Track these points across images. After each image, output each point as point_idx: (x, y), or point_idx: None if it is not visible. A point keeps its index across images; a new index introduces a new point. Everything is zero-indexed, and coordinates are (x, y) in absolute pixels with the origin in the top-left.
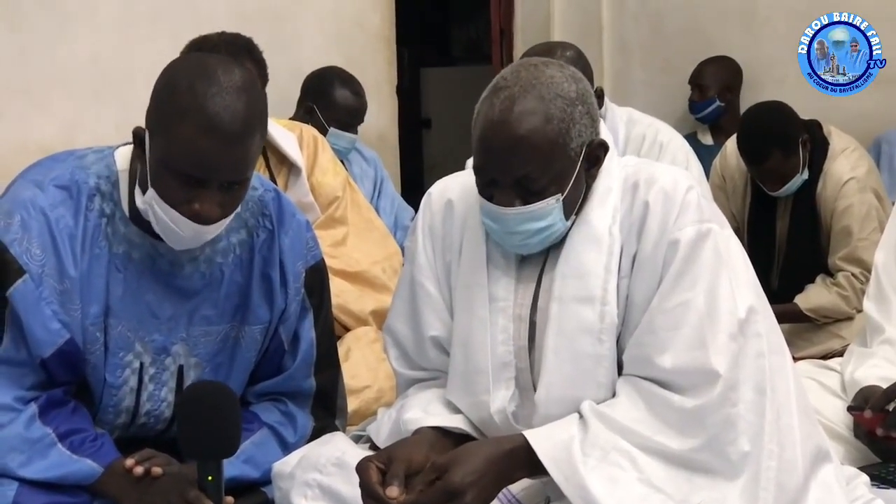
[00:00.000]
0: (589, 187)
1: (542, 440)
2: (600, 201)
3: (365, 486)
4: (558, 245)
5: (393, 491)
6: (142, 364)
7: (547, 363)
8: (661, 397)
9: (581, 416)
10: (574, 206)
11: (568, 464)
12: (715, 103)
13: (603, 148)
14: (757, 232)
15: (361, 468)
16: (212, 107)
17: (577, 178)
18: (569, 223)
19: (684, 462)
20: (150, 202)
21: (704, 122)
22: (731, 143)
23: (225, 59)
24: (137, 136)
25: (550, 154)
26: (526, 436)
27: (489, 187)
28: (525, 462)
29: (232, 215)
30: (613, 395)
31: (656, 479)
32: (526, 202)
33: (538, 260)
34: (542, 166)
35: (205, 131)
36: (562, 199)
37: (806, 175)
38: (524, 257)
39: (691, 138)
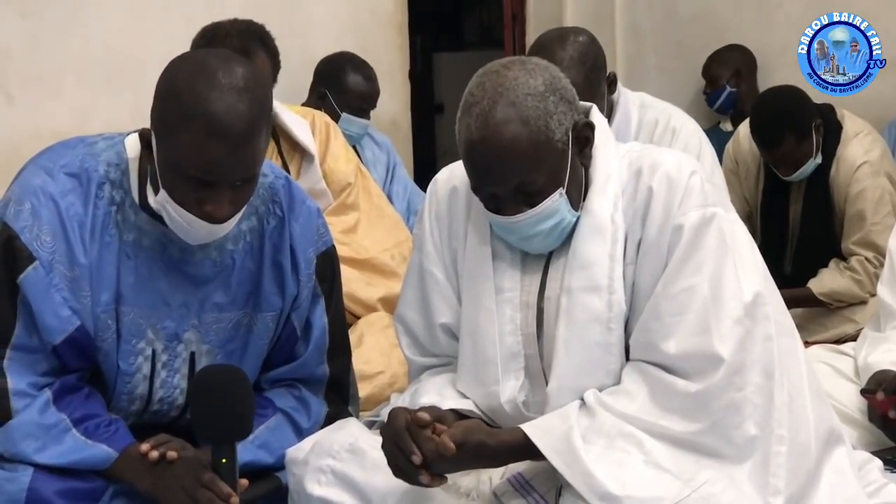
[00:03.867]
0: (587, 173)
1: (542, 434)
2: (600, 190)
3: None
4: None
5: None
6: (154, 351)
7: (558, 355)
8: (666, 382)
9: (583, 404)
10: (579, 194)
11: (570, 453)
12: (726, 90)
13: (589, 127)
14: (770, 216)
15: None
16: (215, 110)
17: (572, 166)
18: (578, 212)
19: (690, 445)
20: (162, 203)
21: (723, 111)
22: (744, 128)
23: (226, 56)
24: (144, 137)
25: (538, 155)
26: (524, 430)
27: (492, 202)
28: (525, 455)
29: (244, 209)
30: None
31: (662, 460)
32: (531, 206)
33: None
34: (535, 169)
35: (210, 136)
36: (563, 192)
37: (819, 159)
38: None
39: (715, 130)
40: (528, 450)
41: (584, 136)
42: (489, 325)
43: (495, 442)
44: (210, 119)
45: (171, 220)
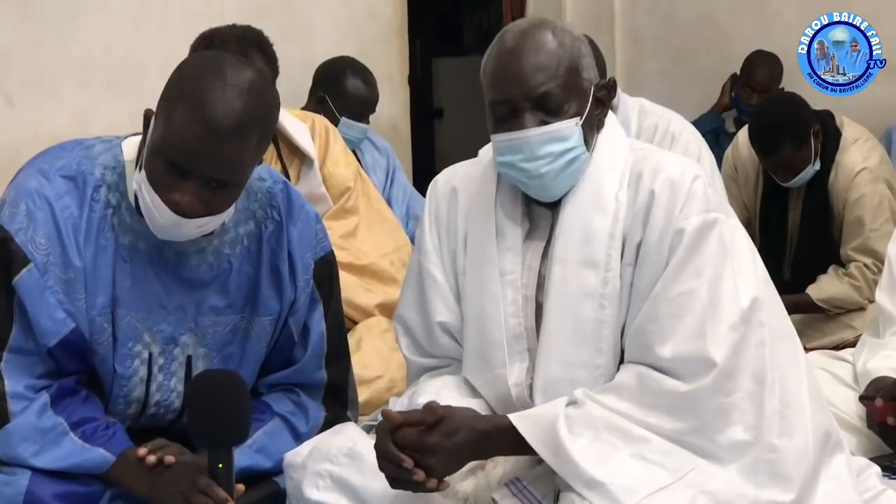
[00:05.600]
0: (597, 141)
1: (528, 424)
2: (608, 166)
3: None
4: (565, 207)
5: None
6: (150, 354)
7: (548, 324)
8: (655, 379)
9: (573, 401)
10: (591, 141)
11: (554, 441)
12: None
13: (607, 88)
14: (769, 223)
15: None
16: (210, 98)
17: (590, 113)
18: (590, 154)
19: (676, 443)
20: (139, 183)
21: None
22: (743, 134)
23: (242, 61)
24: (146, 117)
25: (568, 71)
26: (511, 419)
27: (507, 120)
28: (509, 442)
29: (220, 217)
30: (614, 361)
31: (649, 453)
32: (547, 123)
33: (544, 231)
34: (562, 82)
35: (196, 120)
36: (581, 123)
37: (818, 166)
38: (531, 228)
39: (722, 130)
40: (516, 439)
41: (602, 96)
42: (495, 308)
43: (484, 425)
44: (202, 104)
45: (143, 204)
